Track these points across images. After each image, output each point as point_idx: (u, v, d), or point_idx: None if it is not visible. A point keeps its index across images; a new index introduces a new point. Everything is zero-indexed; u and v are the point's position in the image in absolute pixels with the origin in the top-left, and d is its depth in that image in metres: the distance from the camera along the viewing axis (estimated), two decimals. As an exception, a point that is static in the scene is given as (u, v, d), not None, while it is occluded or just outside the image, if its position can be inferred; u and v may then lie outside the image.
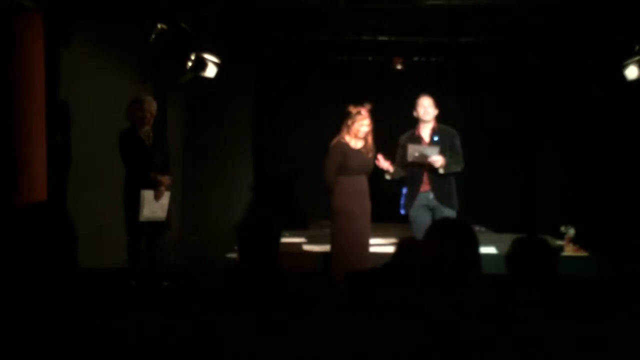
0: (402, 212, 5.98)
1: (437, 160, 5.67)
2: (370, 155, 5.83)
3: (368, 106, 5.78)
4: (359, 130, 5.76)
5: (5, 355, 1.91)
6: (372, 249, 6.11)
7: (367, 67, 8.55)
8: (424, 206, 5.82)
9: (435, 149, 5.70)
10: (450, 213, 5.71)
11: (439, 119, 5.92)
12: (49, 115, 4.85)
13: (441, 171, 5.71)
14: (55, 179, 5.05)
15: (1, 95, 4.56)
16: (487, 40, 7.76)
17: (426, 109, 5.81)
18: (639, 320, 2.28)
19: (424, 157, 5.69)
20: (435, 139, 5.84)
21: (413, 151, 5.70)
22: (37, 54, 4.71)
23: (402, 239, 3.91)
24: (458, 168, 5.84)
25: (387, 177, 5.86)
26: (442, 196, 5.79)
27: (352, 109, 5.78)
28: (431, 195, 5.80)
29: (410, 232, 5.67)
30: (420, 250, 2.51)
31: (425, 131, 5.90)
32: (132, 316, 2.11)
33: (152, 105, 5.53)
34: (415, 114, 5.92)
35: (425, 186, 5.83)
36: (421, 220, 5.72)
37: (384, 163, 5.73)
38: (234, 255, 5.75)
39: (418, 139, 5.88)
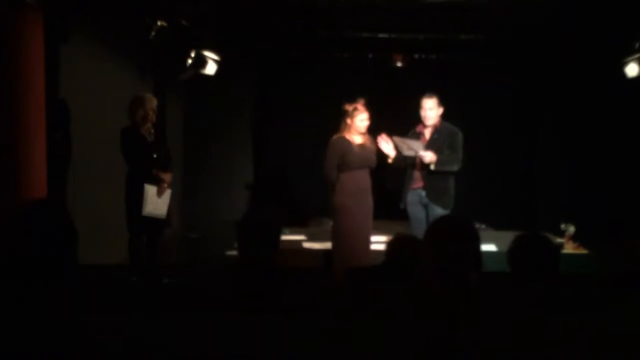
0: (401, 206, 5.96)
1: (425, 155, 5.65)
2: (371, 147, 5.80)
3: (362, 100, 5.75)
4: (359, 127, 5.75)
5: (7, 350, 1.92)
6: (374, 247, 6.09)
7: (368, 64, 8.54)
8: (418, 202, 5.83)
9: (420, 144, 5.68)
10: (442, 212, 5.61)
11: (444, 116, 5.89)
12: (49, 112, 4.85)
13: (432, 167, 5.68)
14: (55, 176, 5.06)
15: (1, 92, 4.56)
16: (487, 37, 7.75)
17: (427, 112, 5.75)
18: (638, 316, 2.28)
19: (413, 150, 5.68)
20: (435, 136, 5.83)
21: (400, 143, 5.69)
22: (37, 50, 4.71)
23: (392, 236, 3.85)
24: (454, 167, 5.76)
25: (389, 160, 5.84)
26: (433, 194, 5.75)
27: (348, 107, 5.74)
28: (423, 193, 5.79)
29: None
30: (422, 248, 2.50)
31: (427, 129, 5.88)
32: (132, 313, 2.11)
33: (153, 102, 5.54)
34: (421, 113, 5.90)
35: (418, 183, 5.82)
36: (416, 217, 5.77)
37: (385, 147, 5.71)
38: (234, 252, 5.74)
39: (418, 136, 5.88)
